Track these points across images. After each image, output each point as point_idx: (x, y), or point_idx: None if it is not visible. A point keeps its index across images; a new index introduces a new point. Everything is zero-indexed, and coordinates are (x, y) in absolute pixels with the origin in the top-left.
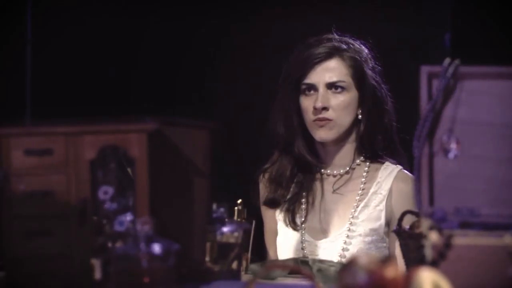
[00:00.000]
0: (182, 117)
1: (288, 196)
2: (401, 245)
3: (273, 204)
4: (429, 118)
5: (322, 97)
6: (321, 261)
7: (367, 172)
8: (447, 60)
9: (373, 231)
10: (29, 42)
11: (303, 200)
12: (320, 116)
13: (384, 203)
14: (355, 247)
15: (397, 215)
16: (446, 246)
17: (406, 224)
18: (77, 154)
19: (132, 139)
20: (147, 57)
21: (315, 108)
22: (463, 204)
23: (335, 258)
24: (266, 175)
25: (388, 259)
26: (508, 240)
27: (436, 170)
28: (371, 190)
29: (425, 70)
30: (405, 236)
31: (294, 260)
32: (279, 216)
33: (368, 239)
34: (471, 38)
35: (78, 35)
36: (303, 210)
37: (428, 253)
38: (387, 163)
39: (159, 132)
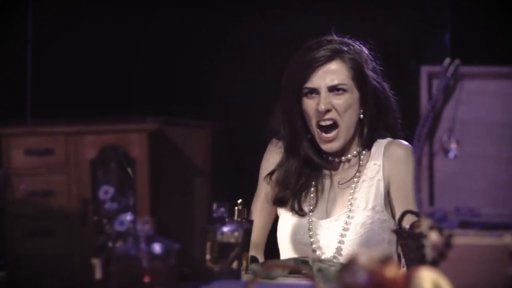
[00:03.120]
0: (182, 117)
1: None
2: (401, 245)
3: (282, 203)
4: (429, 118)
5: (324, 99)
6: (321, 261)
7: (364, 153)
8: (447, 60)
9: (375, 203)
10: (29, 42)
11: (312, 189)
12: (324, 117)
13: (381, 173)
14: (357, 222)
15: (393, 178)
16: (446, 246)
17: (406, 224)
18: (77, 154)
19: (133, 139)
20: (147, 57)
21: (318, 111)
22: (463, 204)
23: (337, 237)
24: (274, 177)
25: (388, 258)
26: (508, 240)
27: (436, 170)
28: (367, 165)
29: (425, 70)
30: (405, 235)
31: (294, 260)
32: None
33: (371, 213)
34: (471, 38)
35: (78, 35)
36: (309, 196)
37: (428, 252)
38: (378, 139)
39: (160, 132)
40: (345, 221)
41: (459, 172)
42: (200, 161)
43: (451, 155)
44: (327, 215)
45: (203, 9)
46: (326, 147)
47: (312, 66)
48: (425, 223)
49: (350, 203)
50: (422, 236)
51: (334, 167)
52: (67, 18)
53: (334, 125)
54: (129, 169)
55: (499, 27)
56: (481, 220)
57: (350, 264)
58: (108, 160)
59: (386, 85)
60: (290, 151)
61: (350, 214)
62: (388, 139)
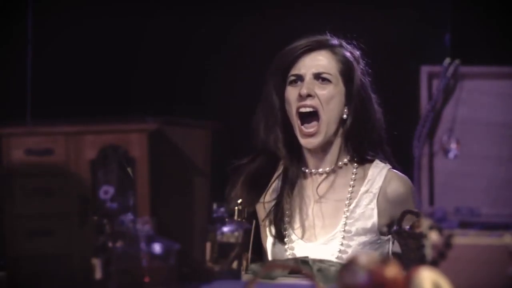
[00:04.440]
0: (182, 117)
1: (271, 206)
2: (401, 245)
3: (249, 204)
4: (429, 118)
5: (307, 84)
6: (321, 261)
7: (356, 171)
8: (447, 60)
9: (367, 230)
10: (29, 42)
11: (287, 206)
12: (305, 103)
13: (375, 201)
14: (349, 248)
15: (391, 214)
16: (446, 246)
17: (406, 224)
18: (77, 154)
19: (133, 139)
20: (147, 57)
21: (300, 96)
22: (463, 204)
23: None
24: (245, 177)
25: (388, 258)
26: (508, 239)
27: (436, 170)
28: (362, 189)
29: (425, 70)
30: (405, 236)
31: (294, 260)
32: (265, 224)
33: (362, 239)
34: (471, 38)
35: (78, 35)
36: (290, 217)
37: (428, 252)
38: (376, 161)
39: (160, 132)
40: (339, 248)
41: (459, 172)
42: (200, 161)
43: (451, 155)
44: (314, 237)
45: (203, 9)
46: (306, 141)
47: (299, 52)
48: (425, 223)
49: (341, 229)
50: (422, 236)
51: (316, 180)
52: (67, 18)
53: (315, 116)
54: (129, 169)
55: (499, 27)
56: (481, 220)
57: (350, 264)
58: (108, 160)
59: (374, 96)
60: (263, 148)
61: (343, 241)
62: (388, 167)
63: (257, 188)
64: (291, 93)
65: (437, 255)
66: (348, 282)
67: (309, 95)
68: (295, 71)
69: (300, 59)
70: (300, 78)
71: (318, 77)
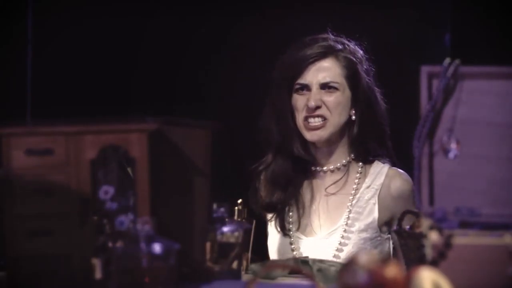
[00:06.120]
0: (182, 117)
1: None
2: (401, 245)
3: (270, 208)
4: (429, 118)
5: (314, 95)
6: (321, 261)
7: (360, 170)
8: (447, 60)
9: (368, 226)
10: (29, 42)
11: (293, 201)
12: (313, 113)
13: (376, 197)
14: (351, 244)
15: (392, 211)
16: (446, 246)
17: (406, 224)
18: (77, 154)
19: (133, 139)
20: (147, 57)
21: (308, 107)
22: (463, 204)
23: (330, 256)
24: (262, 179)
25: (388, 258)
26: (508, 239)
27: (436, 170)
28: (364, 185)
29: (425, 70)
30: (405, 236)
31: (294, 260)
32: (270, 220)
33: (363, 234)
34: (471, 38)
35: (78, 35)
36: (294, 212)
37: (428, 252)
38: (376, 161)
39: (160, 132)
40: (339, 241)
41: (459, 172)
42: (200, 161)
43: (451, 155)
44: (315, 232)
45: (203, 9)
46: (311, 134)
47: (305, 62)
48: (425, 223)
49: (344, 223)
50: (422, 236)
51: (321, 177)
52: (67, 18)
53: (323, 119)
54: (129, 169)
55: (499, 27)
56: (481, 220)
57: (350, 264)
58: (108, 160)
59: (378, 90)
60: (279, 150)
61: (344, 234)
62: (388, 165)
63: (281, 188)
64: (299, 101)
65: (437, 255)
66: (348, 282)
67: (317, 107)
68: (301, 80)
69: (305, 68)
70: (306, 87)
71: (325, 86)
